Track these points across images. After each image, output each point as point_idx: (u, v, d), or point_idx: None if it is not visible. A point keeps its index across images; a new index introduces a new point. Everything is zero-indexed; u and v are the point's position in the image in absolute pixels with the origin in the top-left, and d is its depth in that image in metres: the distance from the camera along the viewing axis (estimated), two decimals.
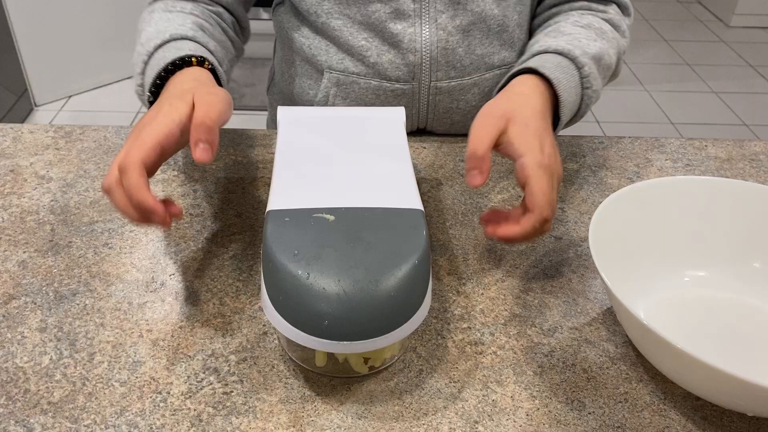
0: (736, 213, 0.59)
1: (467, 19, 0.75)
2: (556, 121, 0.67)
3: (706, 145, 0.81)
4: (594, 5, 0.78)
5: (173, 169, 0.72)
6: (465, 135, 0.77)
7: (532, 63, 0.66)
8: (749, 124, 2.52)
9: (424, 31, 0.75)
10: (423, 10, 0.74)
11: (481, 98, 0.81)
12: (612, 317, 0.57)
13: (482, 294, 0.59)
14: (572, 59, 0.68)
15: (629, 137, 0.81)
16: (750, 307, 0.58)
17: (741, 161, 0.78)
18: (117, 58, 2.55)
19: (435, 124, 0.83)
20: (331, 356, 0.50)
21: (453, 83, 0.78)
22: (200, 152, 0.50)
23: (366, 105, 0.80)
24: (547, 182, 0.54)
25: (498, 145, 0.57)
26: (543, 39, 0.72)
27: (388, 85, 0.78)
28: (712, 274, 0.59)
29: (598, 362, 0.53)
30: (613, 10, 0.78)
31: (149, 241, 0.63)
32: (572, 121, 0.71)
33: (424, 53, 0.76)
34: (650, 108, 2.61)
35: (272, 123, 0.95)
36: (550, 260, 0.63)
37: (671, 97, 2.68)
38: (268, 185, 0.70)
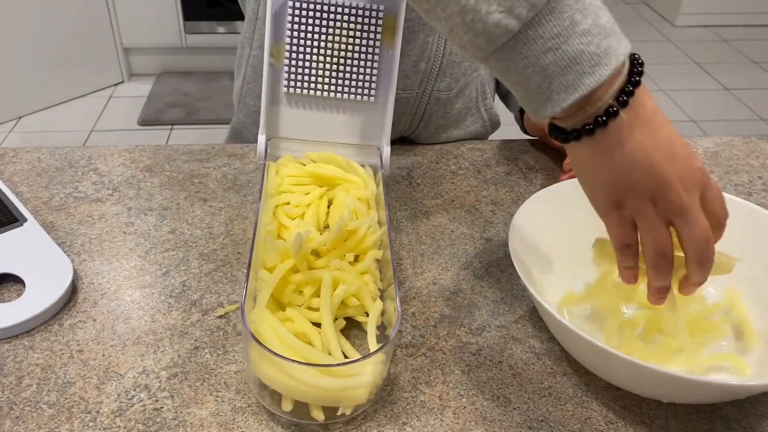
0: None
1: None
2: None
3: None
4: None
5: (107, 188, 0.72)
6: (416, 143, 0.80)
7: None
8: (697, 120, 2.60)
9: (438, 41, 0.75)
10: None
11: (464, 102, 0.82)
12: (538, 314, 0.59)
13: (414, 298, 0.60)
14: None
15: None
16: None
17: None
18: (68, 77, 2.52)
19: (421, 131, 0.83)
20: (297, 402, 0.48)
21: (451, 94, 0.79)
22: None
23: None
24: None
25: None
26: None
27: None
28: None
29: (524, 358, 0.55)
30: None
31: (81, 261, 0.63)
32: None
33: (434, 62, 0.76)
34: None
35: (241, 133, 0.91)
36: (480, 261, 0.64)
37: None
38: (204, 200, 0.71)
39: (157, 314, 0.57)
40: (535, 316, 0.59)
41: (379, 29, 0.66)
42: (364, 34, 0.66)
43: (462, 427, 0.49)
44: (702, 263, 0.46)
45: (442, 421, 0.50)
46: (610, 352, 0.45)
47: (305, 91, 0.67)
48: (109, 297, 0.59)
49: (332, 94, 0.68)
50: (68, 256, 0.62)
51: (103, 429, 0.48)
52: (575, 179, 0.62)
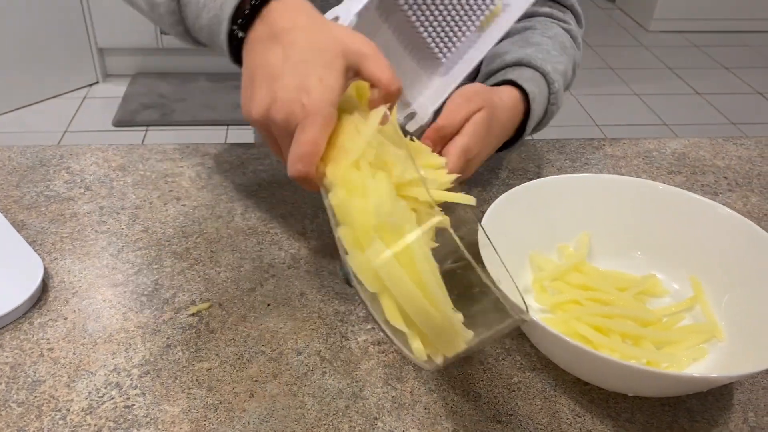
0: (622, 207, 0.63)
1: None
2: (518, 133, 0.68)
3: (603, 145, 0.85)
4: (556, 13, 0.79)
5: (79, 187, 0.72)
6: None
7: (512, 75, 0.66)
8: (669, 123, 2.64)
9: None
10: None
11: None
12: None
13: None
14: (543, 74, 0.68)
15: (531, 140, 0.85)
16: None
17: (635, 158, 0.83)
18: (41, 77, 2.49)
19: None
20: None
21: None
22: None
23: None
24: (460, 147, 0.59)
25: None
26: (513, 49, 0.72)
27: None
28: (598, 264, 0.62)
29: (494, 354, 0.56)
30: (571, 20, 0.79)
31: (52, 260, 0.62)
32: (532, 133, 0.73)
33: None
34: (576, 111, 2.70)
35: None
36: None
37: (596, 100, 2.79)
38: (177, 199, 0.71)
39: (129, 312, 0.57)
40: None
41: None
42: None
43: (433, 422, 0.50)
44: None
45: (413, 416, 0.50)
46: (576, 347, 0.46)
47: None
48: (80, 295, 0.59)
49: None
50: (39, 254, 0.62)
51: (74, 427, 0.48)
52: (544, 179, 0.63)
